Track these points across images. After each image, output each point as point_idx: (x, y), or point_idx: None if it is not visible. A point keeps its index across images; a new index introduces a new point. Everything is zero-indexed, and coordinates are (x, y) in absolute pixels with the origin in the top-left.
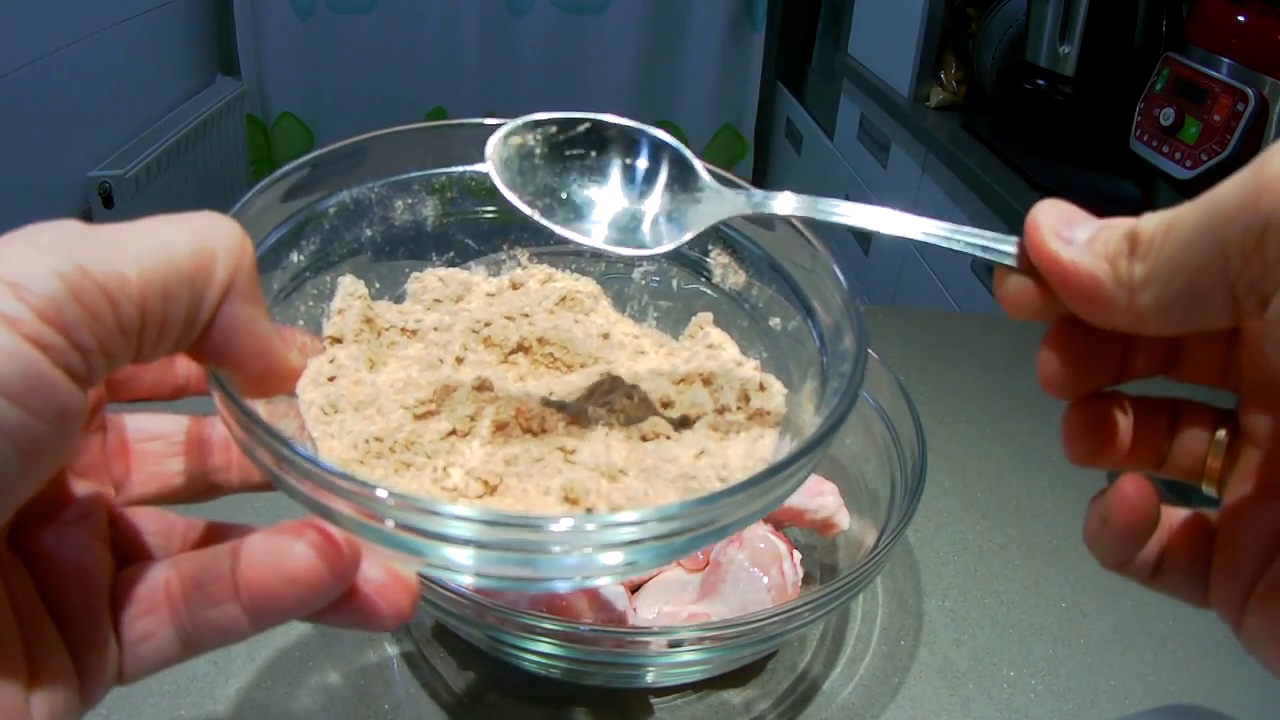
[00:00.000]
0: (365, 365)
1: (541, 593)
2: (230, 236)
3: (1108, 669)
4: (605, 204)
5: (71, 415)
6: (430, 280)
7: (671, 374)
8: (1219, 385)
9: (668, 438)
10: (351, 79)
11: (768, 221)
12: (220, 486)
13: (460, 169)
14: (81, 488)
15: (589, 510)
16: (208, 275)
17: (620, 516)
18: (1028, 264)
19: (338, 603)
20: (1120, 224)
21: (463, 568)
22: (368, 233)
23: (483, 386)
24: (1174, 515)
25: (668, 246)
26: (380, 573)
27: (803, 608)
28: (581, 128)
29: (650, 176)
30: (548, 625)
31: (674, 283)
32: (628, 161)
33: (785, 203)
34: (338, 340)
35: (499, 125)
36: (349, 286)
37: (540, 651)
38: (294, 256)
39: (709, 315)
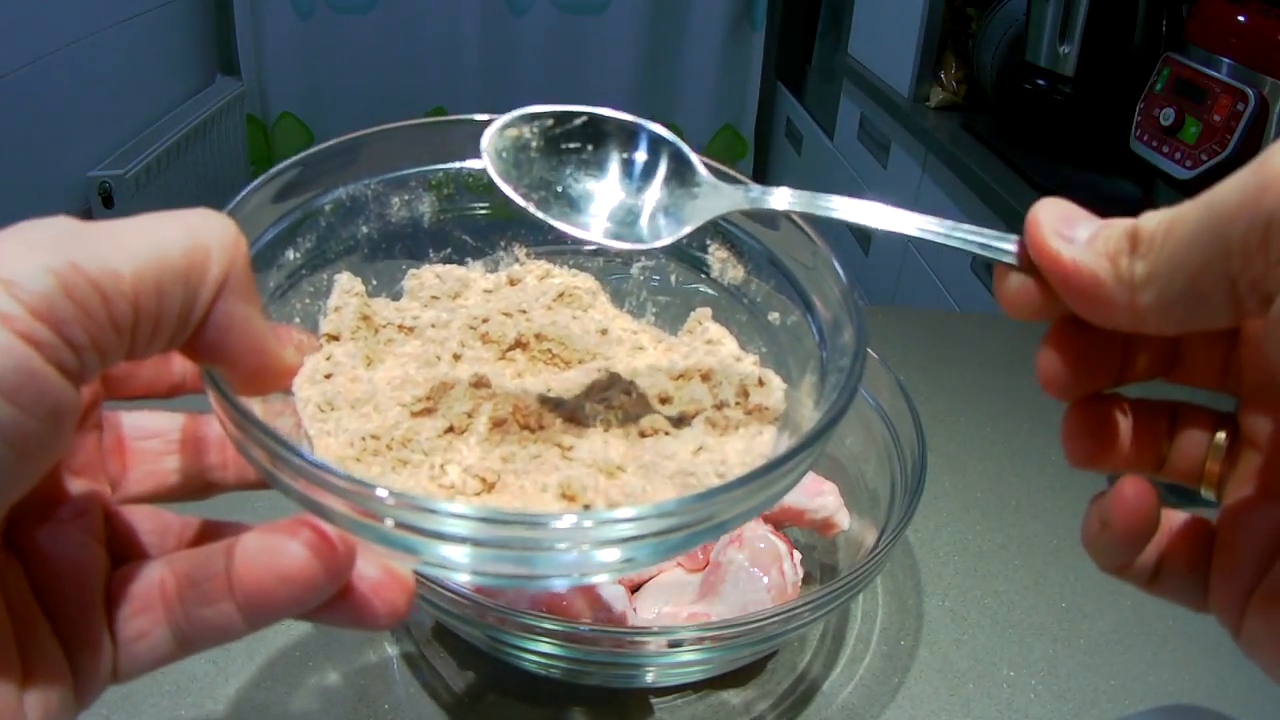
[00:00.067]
0: (362, 363)
1: (540, 590)
2: (224, 233)
3: (1108, 669)
4: (602, 198)
5: (64, 412)
6: (427, 277)
7: (670, 370)
8: (1218, 388)
9: (666, 434)
10: (351, 79)
11: (767, 217)
12: (217, 485)
13: (457, 165)
14: (77, 486)
15: (587, 507)
16: (201, 272)
17: (617, 513)
18: (1028, 263)
19: (333, 601)
20: (1121, 223)
21: (459, 566)
22: (364, 230)
23: (480, 383)
24: (1173, 519)
25: (664, 241)
26: (376, 571)
27: (803, 608)
28: (578, 121)
29: (647, 171)
30: (548, 625)
31: (672, 278)
32: (624, 156)
33: (782, 198)
34: (334, 338)
35: (495, 119)
36: (346, 284)
37: (540, 651)
38: (290, 254)
39: (708, 310)
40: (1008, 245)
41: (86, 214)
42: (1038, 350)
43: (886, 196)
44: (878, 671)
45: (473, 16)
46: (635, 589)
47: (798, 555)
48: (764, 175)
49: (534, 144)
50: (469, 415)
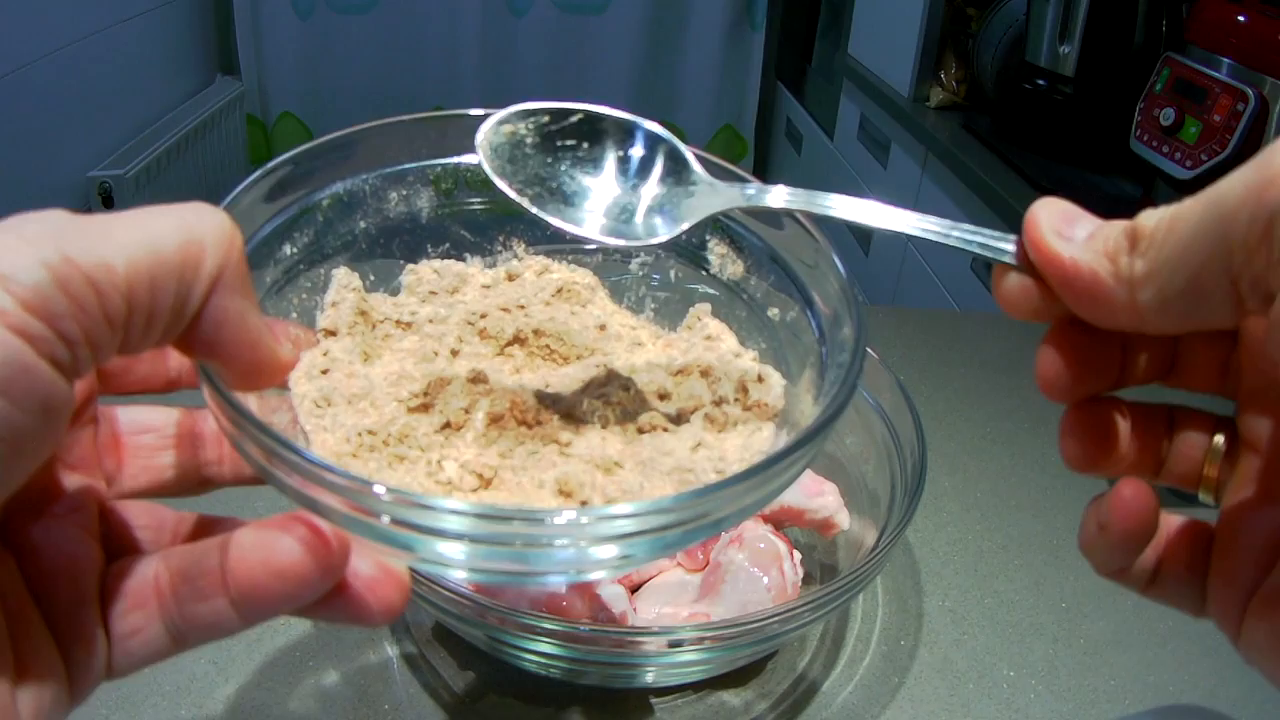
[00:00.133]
0: (359, 358)
1: (538, 588)
2: (219, 228)
3: (1108, 669)
4: (597, 195)
5: (56, 407)
6: (425, 272)
7: (669, 366)
8: (1217, 392)
9: (664, 430)
10: (351, 79)
11: (766, 213)
12: (213, 480)
13: (455, 160)
14: (72, 481)
15: (584, 503)
16: (196, 266)
17: (614, 509)
18: (1027, 262)
19: (327, 598)
20: (1119, 222)
21: (455, 562)
22: (362, 225)
23: (478, 379)
24: (1171, 522)
25: (659, 239)
26: (371, 567)
27: (803, 608)
28: (574, 118)
29: (643, 168)
30: (548, 625)
31: (672, 273)
32: (620, 153)
33: (779, 196)
34: (331, 333)
35: (490, 114)
36: (343, 279)
37: (540, 651)
38: (287, 249)
39: (707, 306)
40: (1006, 245)
41: (86, 214)
42: (1037, 355)
43: (886, 196)
44: (878, 671)
45: (473, 16)
46: (635, 589)
47: (798, 555)
48: (764, 175)
49: (529, 140)
50: (466, 411)
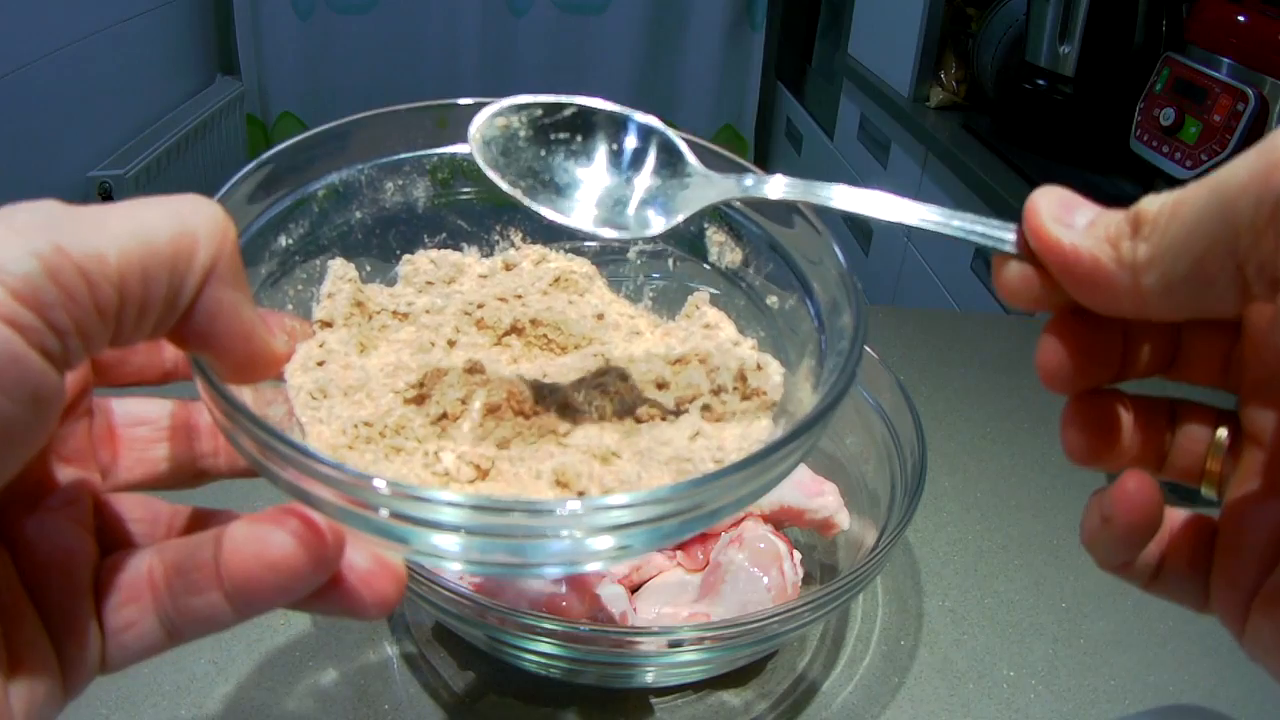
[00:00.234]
0: (355, 349)
1: (537, 580)
2: (212, 220)
3: (1108, 669)
4: (591, 187)
5: (47, 397)
6: (422, 262)
7: (667, 355)
8: (1219, 385)
9: (662, 419)
10: (351, 79)
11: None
12: (208, 472)
13: (451, 150)
14: (66, 473)
15: (581, 494)
16: (188, 258)
17: (610, 499)
18: (1027, 250)
19: (322, 590)
20: (1121, 210)
21: (451, 554)
22: (358, 215)
23: (474, 369)
24: (1174, 517)
25: (654, 231)
26: (366, 560)
27: (803, 608)
28: (567, 112)
29: (637, 161)
30: (548, 625)
31: (670, 262)
32: (614, 146)
33: (777, 186)
34: (327, 324)
35: (484, 106)
36: (339, 270)
37: (540, 651)
38: (282, 240)
39: (705, 294)
40: (1006, 234)
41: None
42: (1038, 345)
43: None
44: (878, 671)
45: (473, 16)
46: (635, 589)
47: (798, 555)
48: None
49: (522, 134)
50: (463, 402)
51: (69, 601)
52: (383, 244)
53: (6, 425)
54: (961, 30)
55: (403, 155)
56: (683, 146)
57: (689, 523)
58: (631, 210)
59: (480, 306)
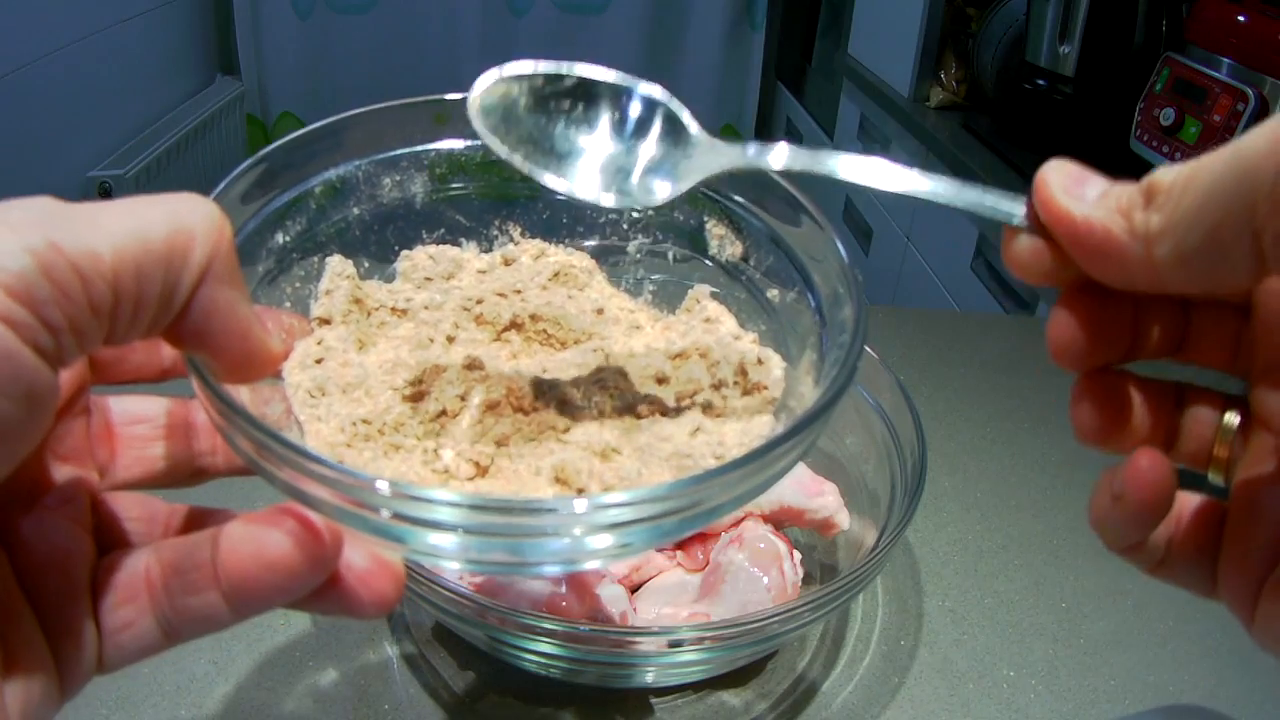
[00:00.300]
0: (354, 346)
1: (538, 579)
2: (208, 218)
3: (1108, 669)
4: (593, 156)
5: (40, 394)
6: (420, 258)
7: (667, 349)
8: (1227, 369)
9: (663, 415)
10: (351, 79)
11: (765, 192)
12: (206, 470)
13: (449, 145)
14: (63, 472)
15: (581, 491)
16: (184, 256)
17: (609, 498)
18: (1037, 223)
19: (320, 590)
20: (1131, 183)
21: (449, 554)
22: (355, 211)
23: (473, 366)
24: (1183, 501)
25: (658, 199)
26: (364, 559)
27: (803, 608)
28: (568, 81)
29: (640, 130)
30: (548, 625)
31: (670, 255)
32: (616, 115)
33: (780, 155)
34: (326, 321)
35: (484, 74)
36: (337, 266)
37: (540, 651)
38: (280, 237)
39: (706, 288)
40: (1016, 207)
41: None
42: (1049, 319)
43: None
44: (878, 672)
45: (473, 16)
46: (635, 589)
47: (798, 555)
48: None
49: (523, 101)
50: (462, 398)
51: (66, 601)
52: (381, 240)
53: (1, 421)
54: (961, 30)
55: (400, 151)
56: (686, 116)
57: (689, 520)
58: (635, 179)
59: (479, 302)
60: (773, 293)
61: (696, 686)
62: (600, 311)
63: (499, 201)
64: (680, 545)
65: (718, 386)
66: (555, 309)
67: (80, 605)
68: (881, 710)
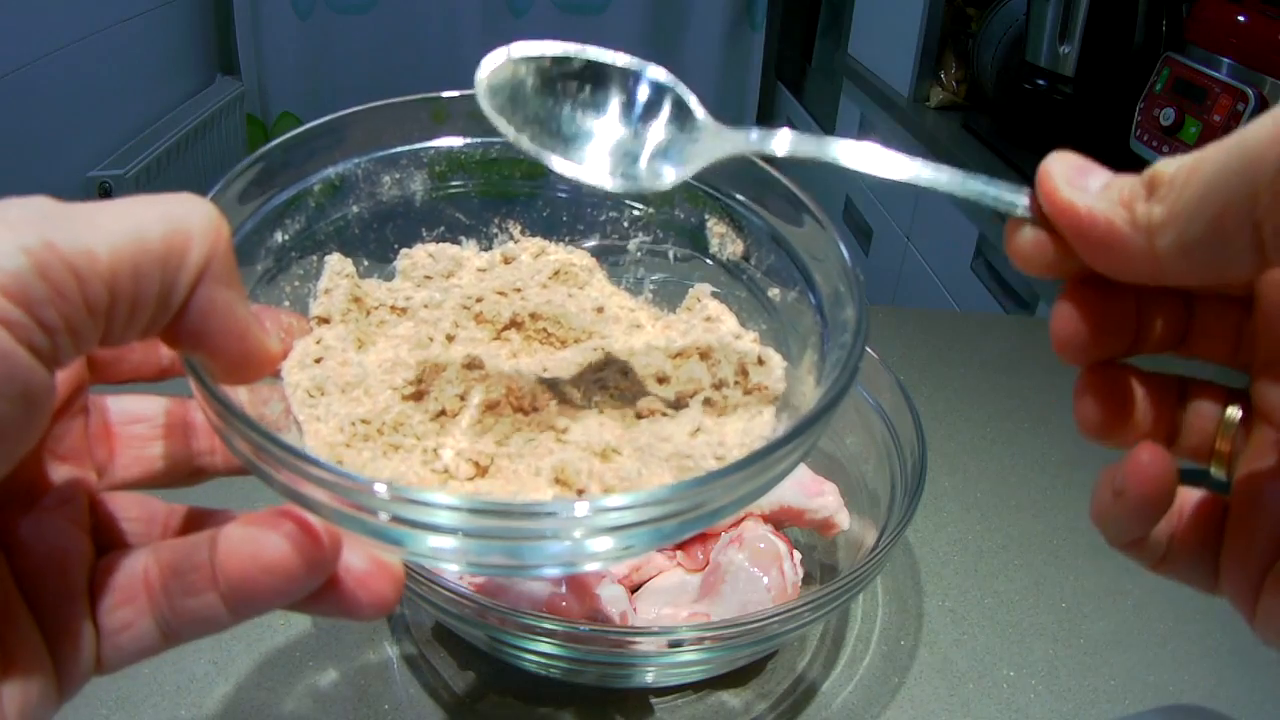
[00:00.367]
0: (353, 345)
1: (538, 581)
2: (206, 219)
3: (1108, 669)
4: (600, 139)
5: (36, 394)
6: (420, 256)
7: (668, 348)
8: (1230, 364)
9: (663, 415)
10: (351, 79)
11: (766, 190)
12: (205, 470)
13: (448, 143)
14: (61, 472)
15: (580, 492)
16: (181, 256)
17: (608, 501)
18: (1040, 215)
19: (319, 592)
20: (1133, 175)
21: (447, 556)
22: (355, 210)
23: (473, 365)
24: (1185, 496)
25: (665, 182)
26: (363, 562)
27: (803, 608)
28: (576, 64)
29: (647, 113)
30: (548, 625)
31: (671, 254)
32: (623, 99)
33: (784, 141)
34: (325, 321)
35: (490, 54)
36: (336, 265)
37: (540, 651)
38: (279, 236)
39: (707, 287)
40: (1019, 198)
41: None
42: (1052, 313)
43: (886, 196)
44: (878, 672)
45: (473, 16)
46: (635, 590)
47: (798, 555)
48: None
49: (530, 83)
50: (461, 398)
51: (64, 602)
52: (380, 238)
53: None
54: (961, 30)
55: (399, 149)
56: (692, 100)
57: (689, 523)
58: (642, 163)
59: (479, 301)
60: (774, 292)
61: (696, 686)
62: (600, 310)
63: (499, 199)
64: (680, 545)
65: (718, 386)
66: (555, 307)
67: (78, 606)
68: (881, 710)
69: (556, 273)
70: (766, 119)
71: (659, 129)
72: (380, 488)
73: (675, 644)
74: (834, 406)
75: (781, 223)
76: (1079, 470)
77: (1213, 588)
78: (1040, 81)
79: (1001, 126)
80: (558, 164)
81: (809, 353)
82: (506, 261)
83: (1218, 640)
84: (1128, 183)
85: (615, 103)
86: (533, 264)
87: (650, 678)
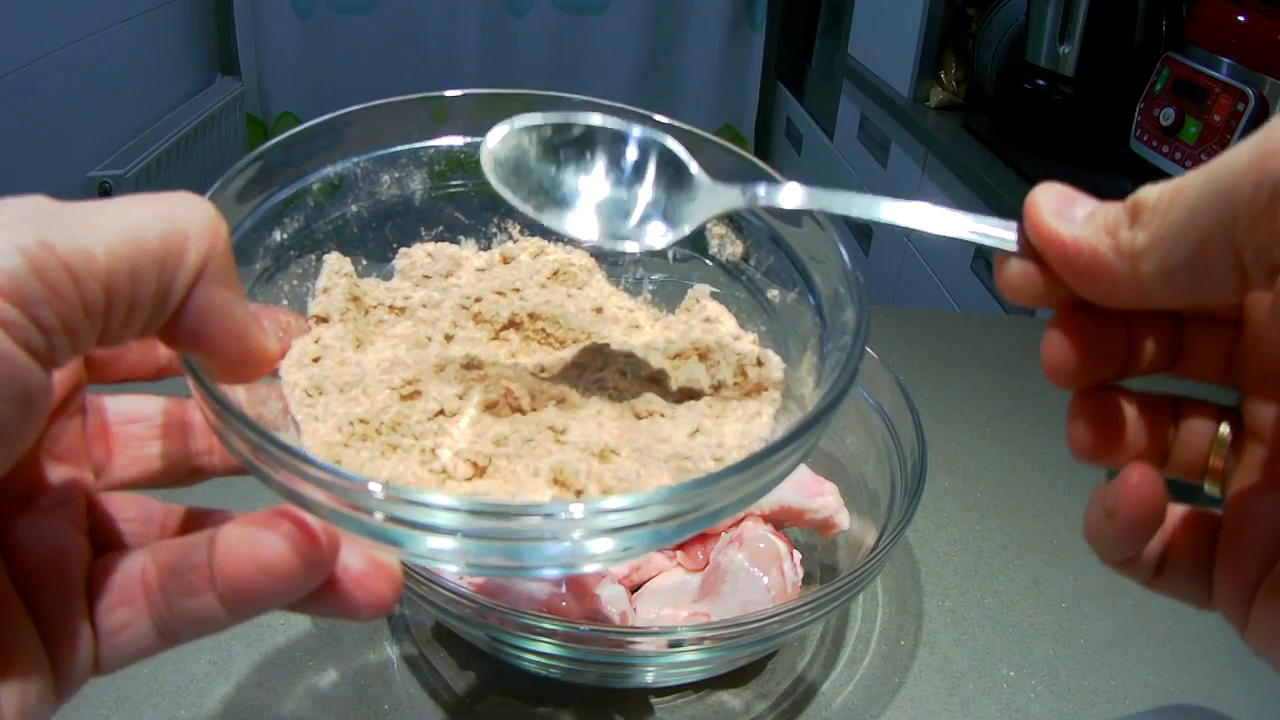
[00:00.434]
0: (351, 345)
1: (536, 581)
2: (204, 218)
3: (1108, 669)
4: (601, 203)
5: (33, 395)
6: (419, 256)
7: (667, 349)
8: (1222, 382)
9: (662, 415)
10: (351, 79)
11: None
12: (203, 470)
13: (448, 142)
14: (58, 473)
15: (579, 493)
16: (179, 256)
17: (607, 503)
18: (1029, 247)
19: (317, 593)
20: (1119, 202)
21: (446, 557)
22: (353, 209)
23: (471, 365)
24: (1177, 513)
25: (663, 243)
26: (361, 562)
27: (803, 608)
28: (576, 130)
29: (644, 176)
30: (548, 625)
31: (670, 255)
32: (622, 162)
33: (792, 196)
34: (323, 320)
35: (494, 128)
36: (334, 264)
37: (540, 651)
38: (277, 235)
39: (706, 288)
40: (1008, 233)
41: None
42: (1043, 340)
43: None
44: (878, 672)
45: (473, 17)
46: (635, 590)
47: (798, 555)
48: None
49: (533, 152)
50: (460, 398)
51: (61, 603)
52: (379, 238)
53: None
54: (961, 30)
55: (398, 148)
56: (687, 159)
57: (688, 524)
58: (642, 223)
59: (478, 300)
60: (773, 293)
61: (696, 686)
62: (599, 310)
63: (498, 199)
64: (680, 545)
65: (717, 387)
66: (554, 308)
67: (76, 607)
68: (881, 710)
69: (555, 273)
70: (766, 119)
71: (658, 189)
72: (378, 488)
73: (675, 644)
74: (833, 408)
75: (781, 224)
76: (1079, 470)
77: (1206, 603)
78: (1040, 81)
79: (1001, 126)
80: (565, 230)
81: (808, 354)
82: (505, 261)
83: (1218, 640)
84: (1112, 210)
85: (614, 166)
86: (531, 264)
87: (650, 678)
